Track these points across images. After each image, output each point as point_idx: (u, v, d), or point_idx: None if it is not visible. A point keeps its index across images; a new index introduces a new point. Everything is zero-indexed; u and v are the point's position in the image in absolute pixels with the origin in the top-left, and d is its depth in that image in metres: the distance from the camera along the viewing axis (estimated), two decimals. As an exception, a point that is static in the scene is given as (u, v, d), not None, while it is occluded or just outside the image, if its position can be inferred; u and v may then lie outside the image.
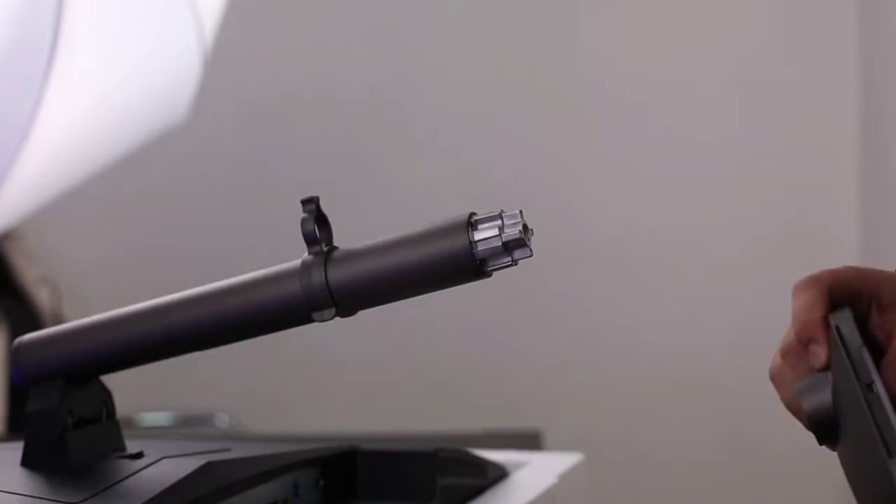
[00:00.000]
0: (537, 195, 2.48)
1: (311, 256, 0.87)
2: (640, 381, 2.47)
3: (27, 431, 0.93)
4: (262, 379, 2.59)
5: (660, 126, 2.48)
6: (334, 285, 0.86)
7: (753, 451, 2.42)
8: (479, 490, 1.10)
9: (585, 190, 2.51)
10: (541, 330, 2.51)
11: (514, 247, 0.83)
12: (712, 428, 2.46)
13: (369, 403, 2.56)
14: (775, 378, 0.80)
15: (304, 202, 0.87)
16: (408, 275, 0.85)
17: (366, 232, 0.93)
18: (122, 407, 0.99)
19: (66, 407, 0.93)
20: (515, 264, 0.84)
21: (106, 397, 0.97)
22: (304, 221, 0.86)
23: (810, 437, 0.81)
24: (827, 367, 0.77)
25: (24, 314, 2.27)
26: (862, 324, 0.77)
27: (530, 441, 1.72)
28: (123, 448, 0.96)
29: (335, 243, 0.88)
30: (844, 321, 0.76)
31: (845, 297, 0.78)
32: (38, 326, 1.24)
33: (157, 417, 2.29)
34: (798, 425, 0.82)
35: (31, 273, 2.34)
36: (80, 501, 0.84)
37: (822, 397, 0.76)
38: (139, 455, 0.93)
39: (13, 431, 2.07)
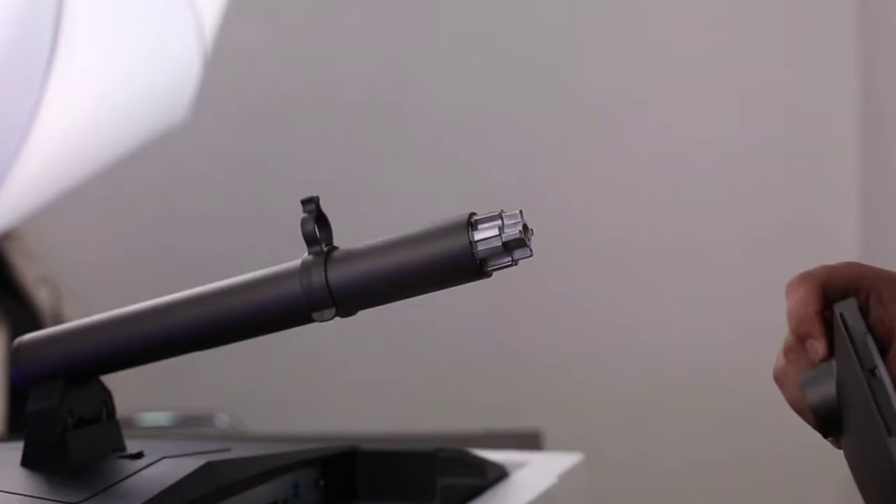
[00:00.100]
0: (537, 195, 2.48)
1: (311, 256, 0.87)
2: (640, 381, 2.47)
3: (27, 431, 0.93)
4: (262, 379, 2.59)
5: (660, 126, 2.48)
6: (334, 285, 0.86)
7: (753, 451, 2.42)
8: (479, 490, 1.10)
9: (585, 190, 2.51)
10: (541, 330, 2.51)
11: (514, 247, 0.83)
12: (712, 428, 2.46)
13: (369, 403, 2.56)
14: (779, 378, 0.80)
15: (304, 202, 0.87)
16: (408, 275, 0.85)
17: (366, 232, 0.93)
18: (122, 407, 0.99)
19: (66, 407, 0.93)
20: (515, 264, 0.84)
21: (106, 397, 0.97)
22: (304, 221, 0.86)
23: (811, 437, 0.81)
24: (830, 358, 0.77)
25: (24, 314, 2.27)
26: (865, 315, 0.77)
27: (530, 441, 1.72)
28: (123, 448, 0.96)
29: (335, 243, 0.88)
30: (849, 309, 0.76)
31: (841, 292, 0.78)
32: (38, 326, 1.24)
33: (157, 417, 2.29)
34: (799, 424, 0.82)
35: (31, 273, 2.34)
36: (80, 501, 0.84)
37: (825, 389, 0.76)
38: (139, 455, 0.93)
39: (13, 431, 2.07)
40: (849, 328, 0.75)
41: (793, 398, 0.79)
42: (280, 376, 2.59)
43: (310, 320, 0.87)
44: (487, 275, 0.84)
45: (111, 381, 0.97)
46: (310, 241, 0.87)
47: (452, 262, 0.83)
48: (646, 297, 2.49)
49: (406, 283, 0.85)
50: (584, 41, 2.51)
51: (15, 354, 0.95)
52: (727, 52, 2.46)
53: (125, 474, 0.89)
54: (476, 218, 0.83)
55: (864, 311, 0.77)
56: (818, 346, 0.76)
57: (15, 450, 0.94)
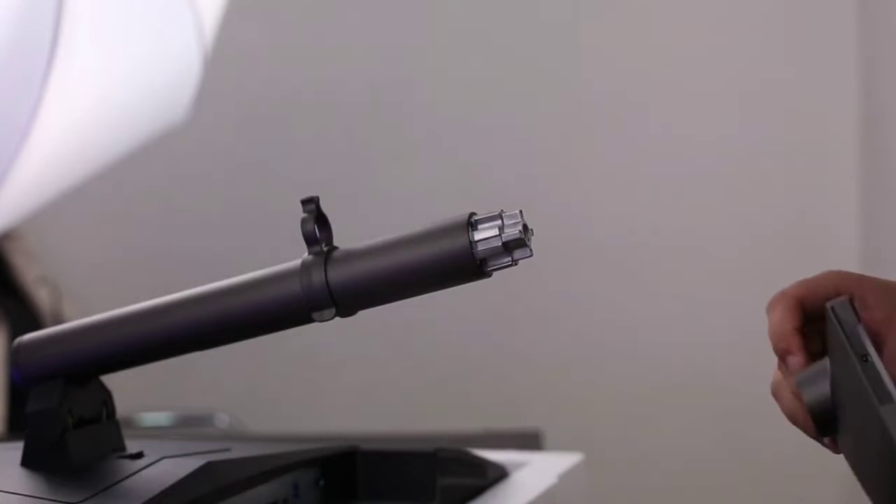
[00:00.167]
0: (537, 195, 2.48)
1: (311, 256, 0.87)
2: (640, 381, 2.47)
3: (27, 431, 0.93)
4: (262, 379, 2.59)
5: (660, 126, 2.48)
6: (334, 285, 0.86)
7: (753, 451, 2.42)
8: (479, 490, 1.10)
9: (585, 190, 2.51)
10: (541, 330, 2.51)
11: (514, 247, 0.83)
12: (712, 428, 2.46)
13: (369, 403, 2.56)
14: (774, 392, 0.82)
15: (304, 202, 0.87)
16: (408, 275, 0.85)
17: (366, 232, 0.93)
18: (122, 407, 0.99)
19: (66, 407, 0.93)
20: (515, 264, 0.84)
21: (106, 397, 0.97)
22: (304, 221, 0.87)
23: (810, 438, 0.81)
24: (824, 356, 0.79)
25: (24, 314, 2.27)
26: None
27: (530, 441, 1.72)
28: (123, 448, 0.96)
29: (335, 243, 0.88)
30: (840, 305, 0.78)
31: (822, 302, 0.80)
32: (38, 326, 1.24)
33: (157, 417, 2.29)
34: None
35: (31, 273, 2.34)
36: (80, 501, 0.84)
37: (821, 388, 0.78)
38: (139, 455, 0.93)
39: (13, 431, 2.07)
40: (840, 320, 0.77)
41: (789, 410, 0.81)
42: (280, 376, 2.59)
43: (310, 320, 0.87)
44: (487, 275, 0.84)
45: (111, 381, 0.97)
46: (310, 241, 0.87)
47: (452, 262, 0.83)
48: (646, 297, 2.49)
49: (406, 283, 0.85)
50: (585, 41, 2.51)
51: (15, 354, 0.95)
52: (727, 52, 2.46)
53: (125, 474, 0.89)
54: (476, 218, 0.83)
55: (856, 310, 0.79)
56: (796, 361, 0.79)
57: (15, 450, 0.94)
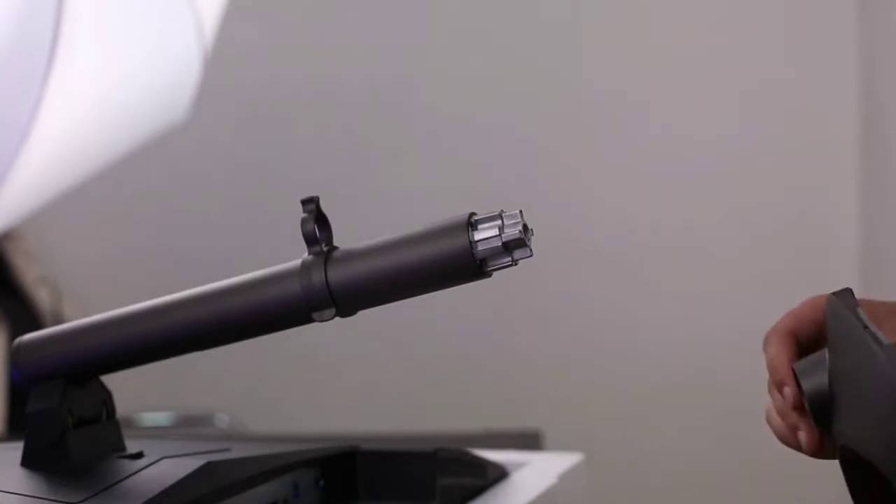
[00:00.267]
0: (537, 195, 2.48)
1: (311, 256, 0.87)
2: (640, 381, 2.47)
3: (27, 431, 0.93)
4: (262, 379, 2.59)
5: (660, 126, 2.48)
6: (334, 285, 0.86)
7: (753, 451, 2.42)
8: (479, 490, 1.10)
9: (585, 190, 2.51)
10: (541, 330, 2.51)
11: (514, 247, 0.83)
12: (712, 428, 2.46)
13: (369, 403, 2.56)
14: (767, 418, 0.86)
15: (304, 202, 0.87)
16: (408, 275, 0.85)
17: (366, 232, 0.93)
18: (122, 407, 0.99)
19: (66, 407, 0.93)
20: (515, 264, 0.84)
21: (106, 397, 0.97)
22: (304, 221, 0.86)
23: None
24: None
25: (24, 314, 2.27)
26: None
27: (530, 441, 1.72)
28: (123, 448, 0.96)
29: (335, 243, 0.88)
30: (842, 292, 0.81)
31: (814, 329, 0.84)
32: (38, 326, 1.24)
33: (157, 417, 2.29)
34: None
35: (31, 273, 2.34)
36: (80, 501, 0.84)
37: (819, 379, 0.81)
38: (139, 455, 0.93)
39: (13, 431, 2.07)
40: (843, 304, 0.80)
41: (781, 435, 0.85)
42: (280, 376, 2.59)
43: (310, 320, 0.87)
44: (487, 275, 0.84)
45: (111, 381, 0.97)
46: (310, 241, 0.87)
47: (452, 262, 0.83)
48: (646, 297, 2.49)
49: (406, 283, 0.85)
50: (585, 41, 2.51)
51: (15, 354, 0.95)
52: (727, 52, 2.46)
53: (125, 474, 0.89)
54: (476, 218, 0.83)
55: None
56: (789, 392, 0.82)
57: (15, 450, 0.94)
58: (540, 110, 2.51)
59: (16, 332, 1.57)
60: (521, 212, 0.83)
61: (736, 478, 2.45)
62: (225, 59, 2.28)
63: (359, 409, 2.55)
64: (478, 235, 0.83)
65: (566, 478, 1.16)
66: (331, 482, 1.04)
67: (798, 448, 0.84)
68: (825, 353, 0.81)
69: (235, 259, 2.13)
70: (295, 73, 2.59)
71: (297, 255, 0.88)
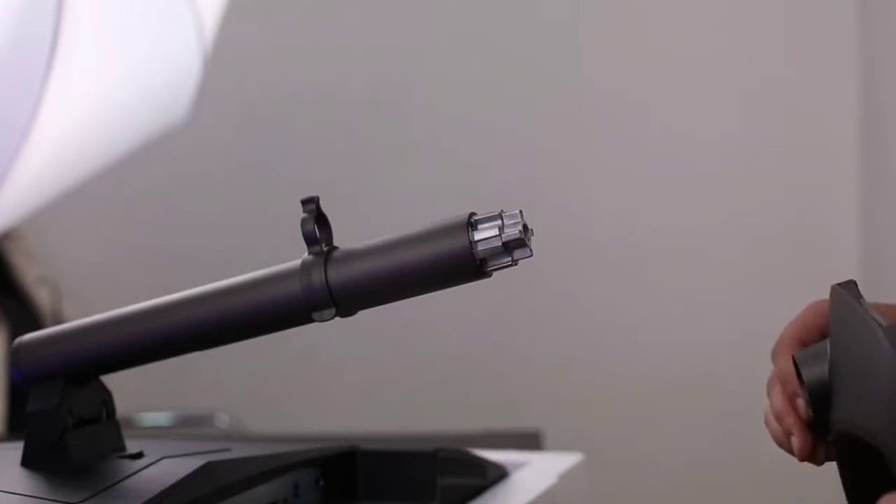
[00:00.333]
0: (537, 195, 2.48)
1: (311, 256, 0.87)
2: (640, 381, 2.47)
3: (27, 431, 0.93)
4: (262, 379, 2.59)
5: (660, 126, 2.48)
6: (334, 285, 0.86)
7: (753, 451, 2.42)
8: (479, 490, 1.09)
9: (585, 190, 2.51)
10: (541, 330, 2.51)
11: (514, 247, 0.83)
12: (712, 428, 2.46)
13: (369, 403, 2.56)
14: (767, 422, 0.87)
15: (304, 202, 0.87)
16: (408, 275, 0.85)
17: (366, 232, 0.93)
18: (122, 407, 0.99)
19: (66, 407, 0.93)
20: (515, 264, 0.84)
21: (106, 397, 0.97)
22: (304, 221, 0.86)
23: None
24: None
25: (24, 314, 2.27)
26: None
27: (530, 441, 1.72)
28: (123, 448, 0.96)
29: (335, 243, 0.88)
30: (846, 283, 0.82)
31: (819, 337, 0.84)
32: (38, 326, 1.24)
33: (157, 417, 2.29)
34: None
35: (31, 273, 2.34)
36: (80, 501, 0.84)
37: (819, 368, 0.81)
38: (139, 455, 0.93)
39: (13, 431, 2.07)
40: (846, 294, 0.81)
41: (778, 438, 0.86)
42: (280, 376, 2.59)
43: (310, 320, 0.87)
44: (487, 275, 0.84)
45: (111, 381, 0.97)
46: (310, 241, 0.87)
47: (452, 262, 0.83)
48: (646, 297, 2.49)
49: (406, 283, 0.85)
50: (585, 41, 2.51)
51: (15, 354, 0.95)
52: (727, 52, 2.46)
53: (125, 474, 0.89)
54: (476, 218, 0.83)
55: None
56: (803, 403, 0.83)
57: (15, 450, 0.94)
58: (540, 110, 2.51)
59: (16, 332, 1.57)
60: (521, 212, 0.83)
61: (736, 478, 2.45)
62: (225, 59, 2.28)
63: (359, 409, 2.55)
64: (478, 235, 0.83)
65: (566, 478, 1.16)
66: (331, 482, 1.04)
67: (791, 450, 0.85)
68: (826, 344, 0.81)
69: (235, 259, 2.13)
70: (295, 73, 2.59)
71: (297, 255, 0.88)
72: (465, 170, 2.52)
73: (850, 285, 0.81)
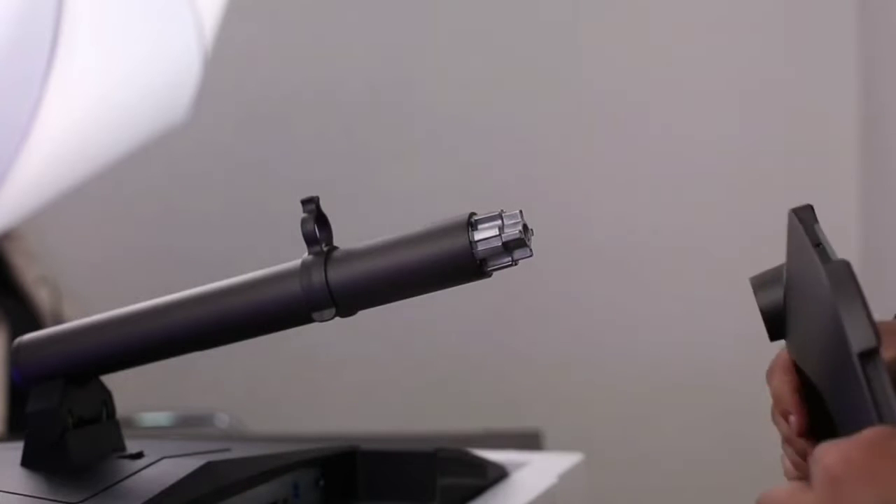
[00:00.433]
0: (537, 195, 2.48)
1: (311, 256, 0.87)
2: (640, 381, 2.47)
3: (27, 431, 0.93)
4: (262, 379, 2.59)
5: (660, 126, 2.48)
6: (334, 285, 0.86)
7: (753, 451, 2.42)
8: (479, 490, 1.10)
9: (585, 190, 2.51)
10: (541, 330, 2.51)
11: (514, 247, 0.83)
12: (712, 428, 2.46)
13: (369, 403, 2.56)
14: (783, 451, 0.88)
15: (304, 202, 0.87)
16: (408, 275, 0.85)
17: (366, 232, 0.93)
18: (122, 407, 0.99)
19: (66, 407, 0.93)
20: (515, 264, 0.84)
21: (106, 397, 0.97)
22: (304, 221, 0.86)
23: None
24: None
25: (24, 314, 2.27)
26: None
27: (530, 441, 1.72)
28: (123, 448, 0.96)
29: (335, 243, 0.88)
30: (802, 207, 0.83)
31: None
32: (38, 326, 1.24)
33: (157, 417, 2.29)
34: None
35: (31, 273, 2.34)
36: (80, 501, 0.84)
37: (774, 294, 0.83)
38: (139, 455, 0.93)
39: (13, 431, 2.07)
40: (799, 219, 0.81)
41: (793, 461, 0.87)
42: (280, 376, 2.59)
43: (310, 320, 0.87)
44: (487, 275, 0.84)
45: (111, 381, 0.97)
46: (310, 241, 0.87)
47: (452, 262, 0.83)
48: (646, 297, 2.49)
49: (406, 283, 0.85)
50: (585, 41, 2.51)
51: (15, 354, 0.95)
52: (727, 52, 2.46)
53: (125, 474, 0.89)
54: (476, 218, 0.83)
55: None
56: (796, 421, 0.83)
57: (15, 450, 0.94)
58: (540, 110, 2.51)
59: (16, 332, 1.57)
60: (521, 212, 0.83)
61: (736, 478, 2.45)
62: (225, 59, 2.28)
63: (359, 409, 2.55)
64: (478, 235, 0.83)
65: (566, 478, 1.16)
66: (331, 482, 1.04)
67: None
68: (782, 269, 0.81)
69: (235, 259, 2.13)
70: (295, 73, 2.59)
71: (297, 255, 0.88)
72: (465, 170, 2.52)
73: (807, 210, 0.80)
